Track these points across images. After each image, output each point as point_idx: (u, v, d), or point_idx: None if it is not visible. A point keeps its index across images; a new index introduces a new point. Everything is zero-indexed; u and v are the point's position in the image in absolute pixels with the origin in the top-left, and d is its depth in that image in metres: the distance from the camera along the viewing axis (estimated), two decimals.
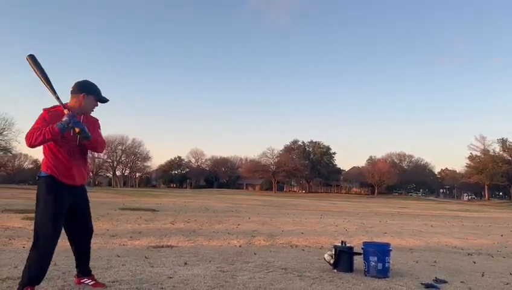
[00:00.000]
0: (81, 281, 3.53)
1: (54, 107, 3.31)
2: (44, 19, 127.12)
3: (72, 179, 3.28)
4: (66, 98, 3.37)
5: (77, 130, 3.13)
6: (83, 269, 3.55)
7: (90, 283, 3.51)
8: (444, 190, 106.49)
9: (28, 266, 3.11)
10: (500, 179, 78.19)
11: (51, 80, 3.28)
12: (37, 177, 3.31)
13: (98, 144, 3.40)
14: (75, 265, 3.60)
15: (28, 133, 3.09)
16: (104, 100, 3.48)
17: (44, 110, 3.28)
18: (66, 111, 3.16)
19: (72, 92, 3.35)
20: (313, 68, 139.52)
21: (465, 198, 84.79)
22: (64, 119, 3.09)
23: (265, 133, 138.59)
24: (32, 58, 3.29)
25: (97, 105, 3.46)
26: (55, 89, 3.27)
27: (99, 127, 3.57)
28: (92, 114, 3.51)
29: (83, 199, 3.46)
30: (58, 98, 3.26)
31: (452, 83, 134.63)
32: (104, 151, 3.76)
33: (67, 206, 3.25)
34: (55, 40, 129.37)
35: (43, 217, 3.13)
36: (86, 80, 3.43)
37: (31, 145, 3.07)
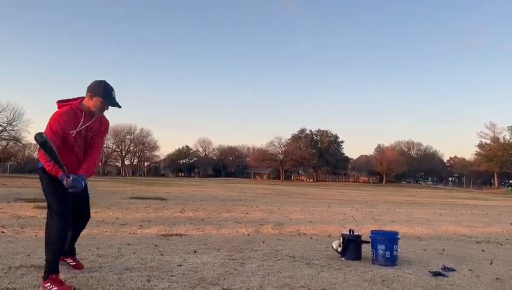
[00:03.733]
0: (64, 259, 3.64)
1: (70, 102, 3.28)
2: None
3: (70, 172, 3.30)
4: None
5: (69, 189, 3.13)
6: (69, 249, 3.67)
7: (71, 263, 3.68)
8: (453, 178, 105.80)
9: (47, 253, 3.19)
10: (510, 167, 77.38)
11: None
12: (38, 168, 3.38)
13: (92, 169, 3.43)
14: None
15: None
16: (113, 104, 3.34)
17: (59, 104, 3.26)
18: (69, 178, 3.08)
19: (86, 90, 3.30)
20: (320, 56, 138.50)
21: None
22: (70, 183, 3.05)
23: (273, 122, 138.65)
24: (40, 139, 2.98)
25: (106, 108, 3.34)
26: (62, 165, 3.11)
27: (106, 133, 3.59)
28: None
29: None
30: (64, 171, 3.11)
31: (462, 70, 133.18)
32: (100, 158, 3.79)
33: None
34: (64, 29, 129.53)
35: (52, 203, 3.23)
36: (99, 81, 3.30)
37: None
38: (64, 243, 3.29)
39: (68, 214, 3.24)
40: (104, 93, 3.26)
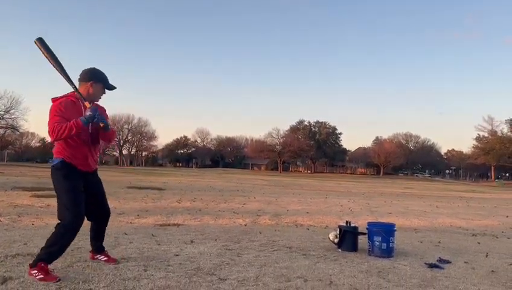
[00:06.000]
0: (95, 257, 3.69)
1: (64, 96, 3.33)
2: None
3: (87, 166, 3.38)
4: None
5: (101, 124, 3.20)
6: (98, 246, 3.71)
7: (103, 259, 3.66)
8: (450, 171, 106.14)
9: (49, 244, 3.17)
10: (507, 161, 77.67)
11: (63, 65, 3.26)
12: (50, 166, 3.35)
13: (113, 135, 3.49)
14: (90, 241, 3.75)
15: (50, 127, 3.11)
16: (111, 88, 3.49)
17: (54, 100, 3.27)
18: (87, 104, 3.21)
19: (80, 80, 3.37)
20: (319, 47, 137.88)
21: None
22: (88, 113, 3.13)
23: (271, 113, 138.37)
24: (41, 42, 3.24)
25: (104, 93, 3.48)
26: (69, 75, 3.27)
27: (107, 117, 3.59)
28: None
29: (97, 183, 3.57)
30: (74, 85, 3.28)
31: (461, 62, 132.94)
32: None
33: (83, 190, 3.33)
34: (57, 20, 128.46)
35: (65, 200, 3.19)
36: (93, 68, 3.43)
37: (57, 140, 3.14)
38: (68, 244, 3.24)
39: (81, 211, 3.22)
40: (103, 78, 3.42)
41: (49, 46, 3.25)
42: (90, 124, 3.21)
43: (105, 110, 3.58)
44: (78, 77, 3.37)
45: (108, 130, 3.32)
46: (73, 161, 3.27)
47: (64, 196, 3.19)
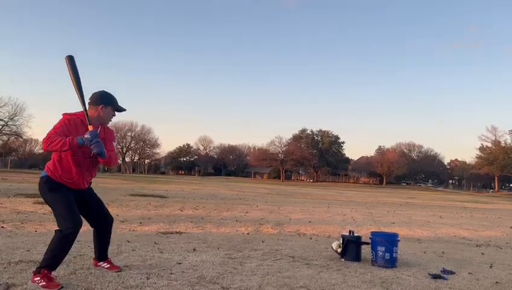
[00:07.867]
0: (98, 264, 3.69)
1: (75, 113, 3.35)
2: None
3: (76, 186, 3.35)
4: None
5: (93, 151, 3.13)
6: (101, 254, 3.70)
7: (106, 266, 3.65)
8: (453, 181, 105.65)
9: (50, 251, 3.18)
10: (511, 171, 77.33)
11: (82, 88, 3.32)
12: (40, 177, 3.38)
13: (111, 160, 3.43)
14: (93, 249, 3.74)
15: (47, 136, 3.12)
16: (121, 110, 3.52)
17: (65, 115, 3.31)
18: (90, 128, 3.21)
19: (90, 103, 3.39)
20: (321, 56, 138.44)
21: None
22: (86, 136, 3.11)
23: (274, 122, 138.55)
24: (70, 60, 3.31)
25: (115, 115, 3.52)
26: (85, 99, 3.33)
27: (114, 139, 3.64)
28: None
29: (90, 193, 3.56)
30: (85, 108, 3.31)
31: (464, 71, 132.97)
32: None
33: (75, 199, 3.32)
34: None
35: (59, 210, 3.21)
36: (103, 91, 3.45)
37: (48, 150, 3.13)
38: (68, 250, 3.25)
39: (77, 217, 3.22)
40: (113, 101, 3.46)
41: (77, 67, 3.34)
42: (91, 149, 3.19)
43: (113, 133, 3.64)
44: (88, 100, 3.39)
45: (104, 158, 3.26)
46: (61, 181, 3.28)
47: (57, 206, 3.22)
